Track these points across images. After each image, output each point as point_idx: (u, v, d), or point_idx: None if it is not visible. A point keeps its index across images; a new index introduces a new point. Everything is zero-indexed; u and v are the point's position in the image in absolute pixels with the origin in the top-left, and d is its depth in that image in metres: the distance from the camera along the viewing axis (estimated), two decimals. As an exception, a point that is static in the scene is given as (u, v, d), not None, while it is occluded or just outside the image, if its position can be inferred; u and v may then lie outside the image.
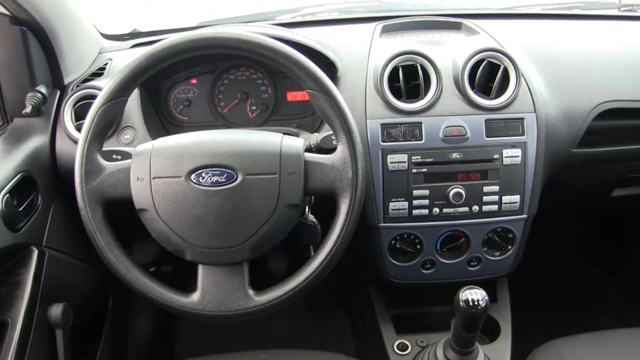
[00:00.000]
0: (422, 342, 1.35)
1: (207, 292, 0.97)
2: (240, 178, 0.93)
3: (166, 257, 1.67)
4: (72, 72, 1.34)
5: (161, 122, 1.38)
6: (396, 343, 1.36)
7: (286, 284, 0.98)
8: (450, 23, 1.45)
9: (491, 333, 1.41)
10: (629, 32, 1.52)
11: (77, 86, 1.29)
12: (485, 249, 1.29)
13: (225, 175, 0.93)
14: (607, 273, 2.05)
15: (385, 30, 1.42)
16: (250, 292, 0.97)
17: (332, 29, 1.51)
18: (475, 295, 1.03)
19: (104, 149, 1.01)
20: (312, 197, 1.13)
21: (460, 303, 1.02)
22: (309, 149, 1.07)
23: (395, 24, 1.45)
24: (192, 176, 0.93)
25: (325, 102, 0.96)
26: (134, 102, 1.26)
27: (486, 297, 1.03)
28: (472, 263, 1.31)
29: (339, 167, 0.96)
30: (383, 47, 1.29)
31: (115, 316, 1.56)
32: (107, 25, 1.58)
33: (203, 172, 0.93)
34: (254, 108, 1.39)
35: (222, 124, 1.39)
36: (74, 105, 1.27)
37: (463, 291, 1.04)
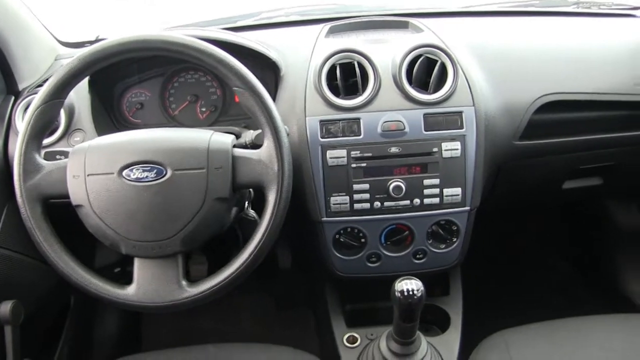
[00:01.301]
0: (371, 335, 1.37)
1: (142, 285, 1.00)
2: (169, 173, 0.96)
3: (131, 258, 1.70)
4: (27, 79, 1.38)
5: (114, 125, 1.41)
6: (346, 336, 1.38)
7: (218, 275, 1.00)
8: (397, 22, 1.47)
9: (443, 325, 1.42)
10: (579, 28, 1.54)
11: (30, 91, 1.33)
12: (430, 241, 1.31)
13: (155, 170, 0.96)
14: (569, 267, 2.06)
15: (333, 31, 1.45)
16: (184, 283, 0.99)
17: (284, 31, 1.54)
18: (410, 285, 1.04)
19: (50, 149, 1.03)
20: (252, 192, 1.16)
21: (396, 293, 1.04)
22: (243, 146, 1.10)
23: (342, 25, 1.47)
24: (124, 172, 0.96)
25: (251, 99, 0.99)
26: (84, 105, 1.30)
27: (422, 287, 1.05)
28: (417, 256, 1.32)
29: (266, 162, 1.00)
30: (325, 47, 1.31)
31: (77, 314, 1.59)
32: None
33: (134, 168, 0.96)
34: (203, 109, 1.42)
35: (174, 126, 1.42)
36: (25, 110, 1.30)
37: (399, 282, 1.06)
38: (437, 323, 1.45)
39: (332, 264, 1.33)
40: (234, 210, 1.17)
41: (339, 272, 1.34)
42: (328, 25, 1.47)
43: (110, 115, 1.41)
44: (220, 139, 1.01)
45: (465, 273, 1.52)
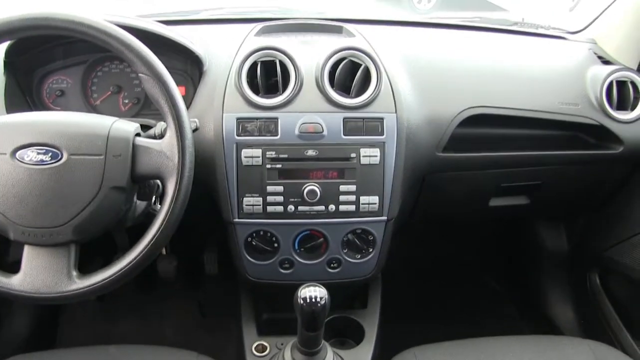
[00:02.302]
0: (281, 344, 1.32)
1: (29, 274, 0.95)
2: (65, 157, 0.93)
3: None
4: None
5: (30, 110, 1.35)
6: (255, 344, 1.34)
7: (110, 267, 0.97)
8: (331, 27, 1.45)
9: (358, 339, 1.39)
10: (514, 47, 1.54)
11: None
12: (345, 250, 1.28)
13: (50, 154, 0.92)
14: (498, 284, 2.05)
15: (265, 31, 1.42)
16: (74, 274, 0.96)
17: (217, 28, 1.51)
18: (314, 292, 1.01)
19: None
20: (160, 186, 1.12)
21: (299, 300, 1.00)
22: (152, 137, 1.06)
23: (275, 25, 1.45)
24: (17, 154, 0.92)
25: (155, 86, 0.96)
26: None
27: (326, 295, 1.01)
28: (332, 265, 1.28)
29: (166, 153, 0.97)
30: (250, 44, 1.28)
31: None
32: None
33: (29, 150, 0.92)
34: (126, 101, 1.38)
35: None
36: None
37: (303, 288, 1.02)
38: (353, 336, 1.41)
39: (243, 268, 1.29)
40: (143, 204, 1.13)
41: (251, 276, 1.30)
42: (261, 25, 1.44)
43: (28, 101, 1.35)
44: (122, 126, 0.98)
45: (387, 286, 1.49)
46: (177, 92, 0.97)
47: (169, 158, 0.96)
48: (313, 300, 1.00)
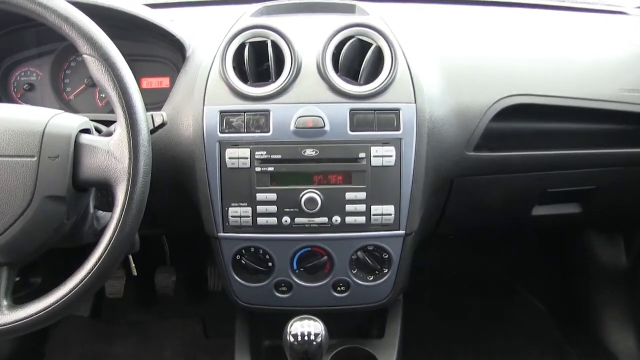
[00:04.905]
0: None
1: None
2: None
3: (35, 268, 1.50)
4: None
5: None
6: None
7: (48, 297, 0.82)
8: (342, 6, 1.25)
9: None
10: (560, 23, 1.34)
11: None
12: (355, 271, 1.10)
13: None
14: (542, 307, 1.81)
15: (264, 12, 1.23)
16: (5, 304, 0.82)
17: (210, 10, 1.37)
18: (308, 327, 0.89)
19: None
20: None
21: (289, 337, 0.89)
22: (109, 135, 0.88)
23: (277, 6, 1.26)
24: None
25: (101, 69, 0.82)
26: None
27: (323, 331, 0.89)
28: (339, 288, 1.11)
29: (115, 154, 0.82)
30: (240, 24, 1.09)
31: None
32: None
33: None
34: (103, 95, 1.25)
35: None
36: None
37: (294, 322, 0.89)
38: None
39: (232, 291, 1.12)
40: (99, 215, 0.98)
41: (241, 301, 1.14)
42: (261, 5, 1.25)
43: None
44: (62, 122, 0.85)
45: (410, 310, 1.30)
46: (129, 76, 0.83)
47: (118, 160, 0.81)
48: (306, 338, 0.87)
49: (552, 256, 1.85)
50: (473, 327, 1.75)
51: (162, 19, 1.13)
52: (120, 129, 0.81)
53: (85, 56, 0.82)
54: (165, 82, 1.22)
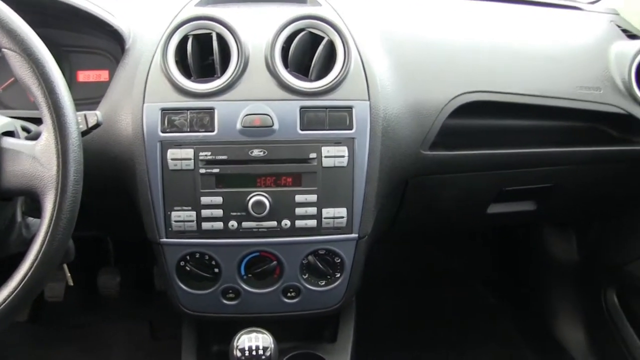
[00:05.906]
0: None
1: None
2: None
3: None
4: None
5: None
6: None
7: None
8: None
9: None
10: (518, 18, 1.28)
11: None
12: (306, 276, 1.05)
13: None
14: (497, 301, 1.81)
15: (209, 2, 1.15)
16: None
17: None
18: (255, 341, 0.84)
19: None
20: None
21: (235, 352, 0.82)
22: (35, 137, 0.79)
23: None
24: None
25: (24, 65, 0.74)
26: None
27: (272, 345, 0.82)
28: (289, 294, 1.06)
29: (41, 159, 0.74)
30: (182, 15, 1.02)
31: None
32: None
33: None
34: None
35: None
36: None
37: (241, 335, 0.82)
38: None
39: (176, 298, 1.05)
40: (29, 222, 0.89)
41: (186, 309, 1.07)
42: None
43: None
44: None
45: (363, 312, 1.26)
46: (57, 73, 0.75)
47: (44, 166, 0.73)
48: (254, 352, 0.82)
49: (507, 250, 1.85)
50: (428, 323, 1.73)
51: (99, 6, 1.04)
52: (46, 133, 0.73)
53: (4, 50, 0.73)
54: (104, 75, 1.13)
